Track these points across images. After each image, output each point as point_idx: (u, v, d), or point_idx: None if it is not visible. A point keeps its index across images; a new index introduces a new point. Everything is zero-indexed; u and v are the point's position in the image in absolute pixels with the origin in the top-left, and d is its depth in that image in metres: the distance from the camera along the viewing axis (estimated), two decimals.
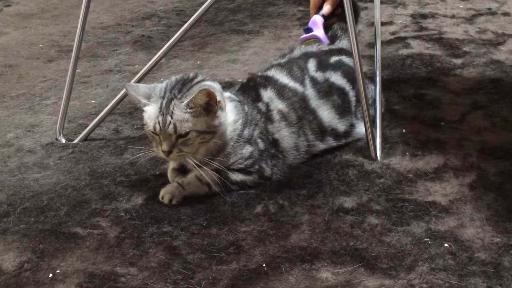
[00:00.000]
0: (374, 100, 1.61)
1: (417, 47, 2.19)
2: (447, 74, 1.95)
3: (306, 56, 1.61)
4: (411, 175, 1.42)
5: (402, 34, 2.32)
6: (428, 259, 1.14)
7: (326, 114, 1.52)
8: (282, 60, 1.62)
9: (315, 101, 1.52)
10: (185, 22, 1.74)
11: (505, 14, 2.48)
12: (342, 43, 1.72)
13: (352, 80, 1.56)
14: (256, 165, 1.42)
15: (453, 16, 2.49)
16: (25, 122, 1.82)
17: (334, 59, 1.61)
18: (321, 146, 1.52)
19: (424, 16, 2.50)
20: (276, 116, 1.47)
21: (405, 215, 1.28)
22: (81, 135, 1.69)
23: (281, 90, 1.50)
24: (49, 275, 1.16)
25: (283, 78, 1.53)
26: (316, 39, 1.70)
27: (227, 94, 1.44)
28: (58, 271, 1.18)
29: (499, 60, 2.03)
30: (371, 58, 1.98)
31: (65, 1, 3.04)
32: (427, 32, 2.33)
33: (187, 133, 1.32)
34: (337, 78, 1.57)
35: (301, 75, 1.54)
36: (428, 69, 2.00)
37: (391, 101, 1.78)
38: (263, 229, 1.27)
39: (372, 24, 2.28)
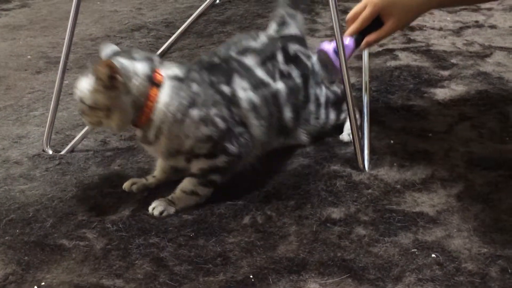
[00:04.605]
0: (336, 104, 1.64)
1: (405, 59, 2.21)
2: (434, 86, 1.96)
3: (273, 44, 1.55)
4: (398, 186, 1.42)
5: (390, 46, 2.33)
6: (416, 270, 1.14)
7: (288, 110, 1.51)
8: (257, 45, 1.54)
9: (283, 96, 1.50)
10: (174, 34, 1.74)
11: (492, 26, 2.50)
12: (291, 29, 1.63)
13: (306, 78, 1.56)
14: (219, 146, 1.38)
15: (440, 29, 2.51)
16: (12, 133, 1.81)
17: (292, 48, 1.57)
18: (275, 143, 1.53)
19: (411, 28, 2.51)
20: (245, 105, 1.42)
21: (392, 226, 1.28)
22: (68, 147, 1.69)
23: (255, 83, 1.46)
24: (34, 287, 1.15)
25: (259, 71, 1.48)
26: (329, 61, 1.50)
27: (170, 72, 1.37)
28: (43, 283, 1.16)
29: (486, 72, 2.04)
30: (359, 69, 1.98)
31: (54, 13, 3.03)
32: (415, 44, 2.35)
33: (81, 102, 1.33)
34: (296, 75, 1.55)
35: (273, 68, 1.51)
36: (416, 80, 2.01)
37: (379, 113, 1.79)
38: (251, 240, 1.26)
39: None
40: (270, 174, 1.50)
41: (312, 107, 1.59)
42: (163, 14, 3.00)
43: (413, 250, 1.20)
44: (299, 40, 1.61)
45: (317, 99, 1.60)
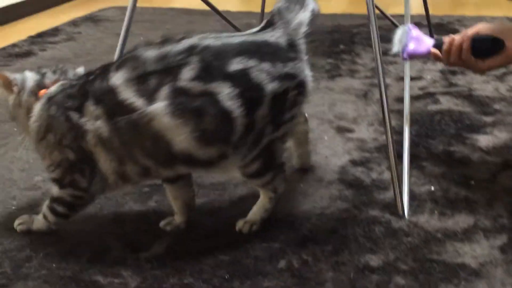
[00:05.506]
0: None
1: (446, 103, 2.18)
2: (477, 132, 1.93)
3: (191, 52, 1.22)
4: (439, 235, 1.39)
5: (431, 90, 2.31)
6: None
7: (180, 139, 1.22)
8: (152, 54, 1.23)
9: (163, 120, 1.21)
10: None
11: None
12: (273, 34, 1.28)
13: (251, 103, 1.22)
14: (68, 177, 1.37)
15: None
16: None
17: (236, 66, 1.21)
18: (167, 173, 1.36)
19: (453, 72, 2.49)
20: (91, 139, 1.29)
21: (433, 277, 1.24)
22: None
23: (112, 109, 1.25)
24: None
25: (126, 91, 1.23)
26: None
27: (50, 89, 1.35)
28: None
29: None
30: (400, 112, 1.96)
31: (98, 47, 3.10)
32: (457, 88, 2.32)
33: None
34: (226, 96, 1.20)
35: (158, 85, 1.20)
36: (457, 125, 1.98)
37: (419, 157, 1.76)
38: (287, 285, 1.24)
39: (401, 78, 2.28)
40: (306, 217, 1.48)
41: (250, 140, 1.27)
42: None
43: None
44: (272, 52, 1.25)
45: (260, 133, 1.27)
